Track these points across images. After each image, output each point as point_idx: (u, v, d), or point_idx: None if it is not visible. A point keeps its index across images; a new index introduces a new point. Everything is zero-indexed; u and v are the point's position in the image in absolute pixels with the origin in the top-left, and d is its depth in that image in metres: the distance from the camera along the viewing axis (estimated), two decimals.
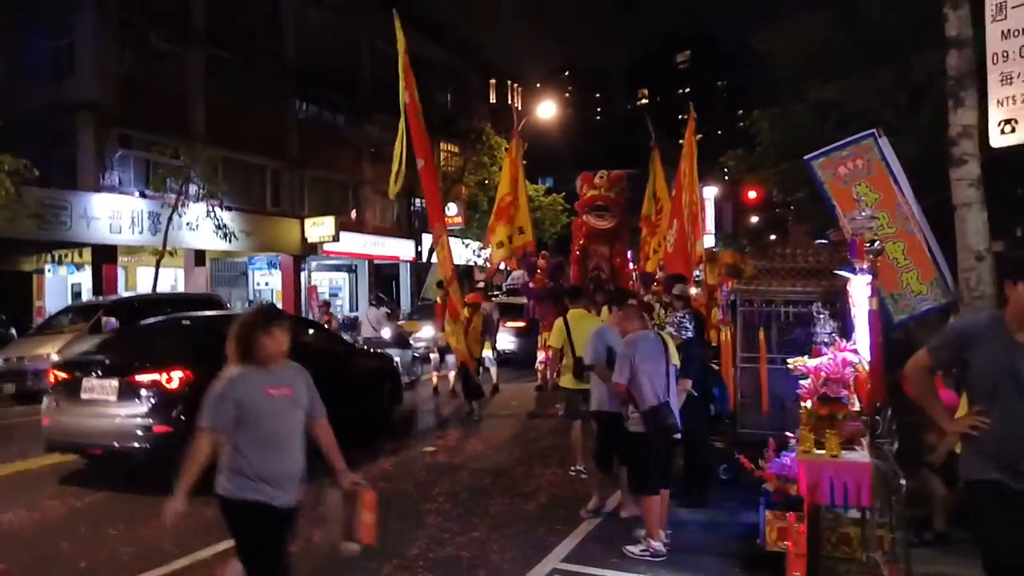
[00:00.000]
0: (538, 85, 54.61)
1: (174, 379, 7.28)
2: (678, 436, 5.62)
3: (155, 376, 7.33)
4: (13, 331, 16.98)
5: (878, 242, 4.10)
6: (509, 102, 48.29)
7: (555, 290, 11.96)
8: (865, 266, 4.16)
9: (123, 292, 20.42)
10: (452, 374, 12.52)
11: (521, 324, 16.64)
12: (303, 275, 27.59)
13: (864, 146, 5.66)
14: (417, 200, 34.02)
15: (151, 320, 10.41)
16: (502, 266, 33.36)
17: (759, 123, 18.44)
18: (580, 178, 12.48)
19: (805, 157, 5.86)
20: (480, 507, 6.67)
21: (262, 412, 3.57)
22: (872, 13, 14.61)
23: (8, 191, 14.64)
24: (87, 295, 20.35)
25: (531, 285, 13.15)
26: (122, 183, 20.92)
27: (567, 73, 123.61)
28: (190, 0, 23.03)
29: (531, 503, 6.77)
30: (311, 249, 27.01)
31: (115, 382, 7.44)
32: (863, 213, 4.29)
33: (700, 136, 13.45)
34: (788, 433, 4.85)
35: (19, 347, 14.41)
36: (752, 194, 32.42)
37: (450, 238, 33.80)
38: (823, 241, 7.97)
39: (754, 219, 48.10)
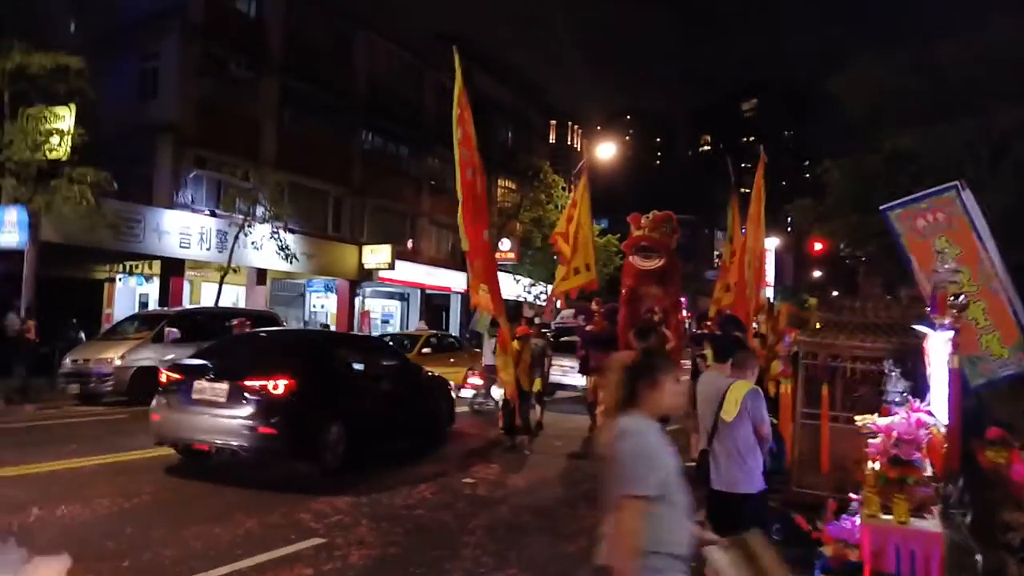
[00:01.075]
0: (599, 128, 54.86)
1: (279, 386, 8.09)
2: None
3: (263, 382, 8.11)
4: (82, 335, 17.58)
5: (963, 296, 3.89)
6: (569, 143, 48.61)
7: (612, 334, 11.86)
8: (947, 322, 3.95)
9: (187, 304, 20.95)
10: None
11: (570, 363, 16.40)
12: (357, 300, 27.95)
13: (945, 199, 5.42)
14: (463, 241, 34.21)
15: (258, 331, 12.14)
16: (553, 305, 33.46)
17: (830, 172, 18.03)
18: (630, 219, 12.41)
19: (881, 207, 5.62)
20: (518, 545, 6.52)
21: (675, 474, 2.86)
22: (950, 60, 14.17)
23: (88, 202, 15.28)
24: (153, 305, 20.97)
25: (588, 328, 13.03)
26: (194, 201, 21.66)
27: (628, 117, 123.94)
28: (268, 31, 23.94)
29: (572, 545, 6.57)
30: (367, 275, 27.38)
31: (225, 385, 8.21)
32: (946, 266, 4.10)
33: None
34: (852, 495, 4.61)
35: (85, 350, 14.89)
36: (818, 246, 31.82)
37: (501, 272, 34.03)
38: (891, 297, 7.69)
39: (817, 273, 47.16)
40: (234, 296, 23.60)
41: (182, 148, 21.29)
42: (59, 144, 15.43)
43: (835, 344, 6.48)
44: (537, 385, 11.81)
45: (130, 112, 20.76)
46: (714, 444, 5.07)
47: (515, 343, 10.94)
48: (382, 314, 31.99)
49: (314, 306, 28.67)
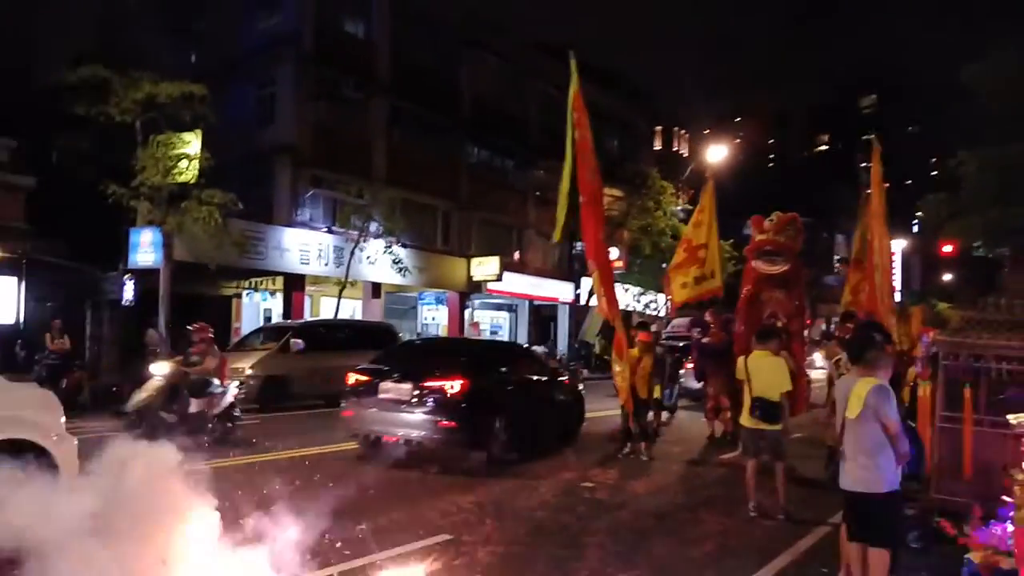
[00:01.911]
0: (707, 132, 53.76)
1: (456, 387, 9.39)
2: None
3: (442, 383, 9.41)
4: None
5: None
6: (675, 148, 47.85)
7: (728, 346, 11.69)
8: None
9: (309, 317, 21.92)
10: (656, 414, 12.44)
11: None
12: (467, 312, 28.44)
13: None
14: (578, 244, 34.29)
15: (431, 339, 14.54)
16: (662, 313, 32.99)
17: (966, 164, 16.83)
18: (751, 221, 11.99)
19: None
20: (642, 548, 6.50)
21: None
22: None
23: (216, 221, 16.21)
24: (277, 319, 22.02)
25: (704, 341, 12.84)
26: (312, 219, 22.67)
27: (739, 119, 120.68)
28: (376, 53, 24.78)
29: (696, 550, 6.50)
30: (476, 287, 27.85)
31: (409, 386, 9.53)
32: None
33: (887, 184, 12.69)
34: (1005, 498, 4.37)
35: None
36: (947, 248, 29.97)
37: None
38: None
39: (947, 276, 44.46)
40: (351, 309, 24.50)
41: (299, 168, 22.30)
42: (187, 168, 16.41)
43: (978, 343, 6.12)
44: (656, 392, 11.72)
45: (250, 136, 21.86)
46: (843, 444, 5.00)
47: (634, 350, 10.88)
48: (491, 325, 32.41)
49: (426, 318, 29.39)
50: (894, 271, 13.70)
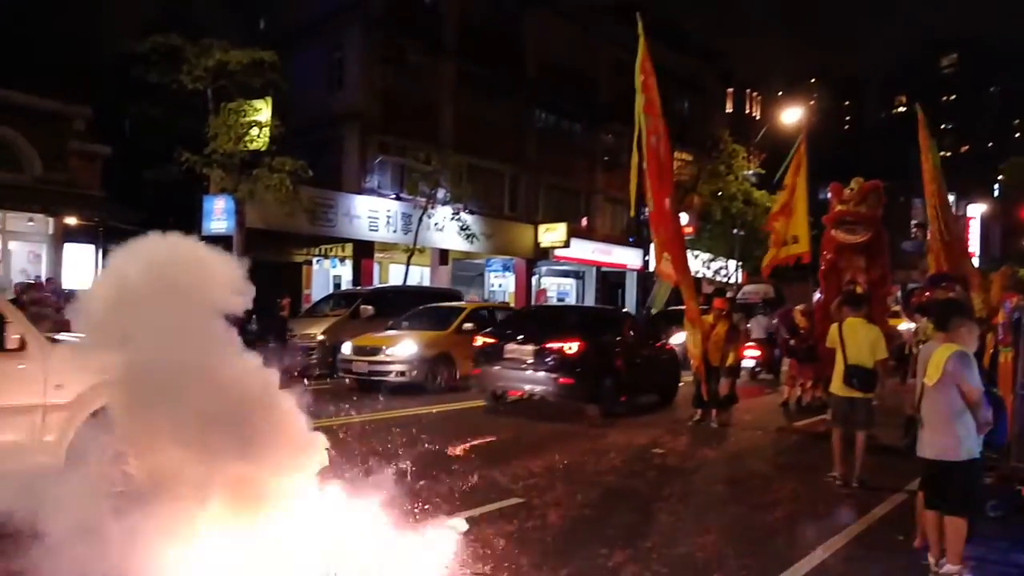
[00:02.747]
0: (780, 93, 52.03)
1: (574, 348, 10.63)
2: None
3: (561, 344, 10.68)
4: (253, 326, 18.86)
5: None
6: (747, 111, 46.52)
7: (813, 346, 11.55)
8: None
9: (377, 284, 22.27)
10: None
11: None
12: (534, 278, 28.46)
13: None
14: (646, 209, 33.80)
15: (546, 306, 16.96)
16: (731, 279, 32.39)
17: None
18: (830, 189, 11.58)
19: None
20: (714, 512, 6.46)
21: None
22: None
23: (287, 189, 16.53)
24: (346, 285, 22.47)
25: (792, 342, 12.63)
26: (380, 186, 22.89)
27: (813, 80, 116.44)
28: (443, 17, 24.66)
29: (769, 515, 6.42)
30: (543, 254, 27.80)
31: (531, 347, 10.88)
32: None
33: (966, 148, 12.12)
34: None
35: (292, 328, 16.16)
36: None
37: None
38: None
39: None
40: (419, 276, 24.80)
41: (367, 135, 22.48)
42: (259, 135, 16.72)
43: None
44: (730, 359, 11.58)
45: (318, 102, 22.11)
46: (921, 410, 4.97)
47: (708, 317, 10.80)
48: (557, 292, 32.39)
49: (492, 285, 29.53)
50: (968, 237, 13.35)
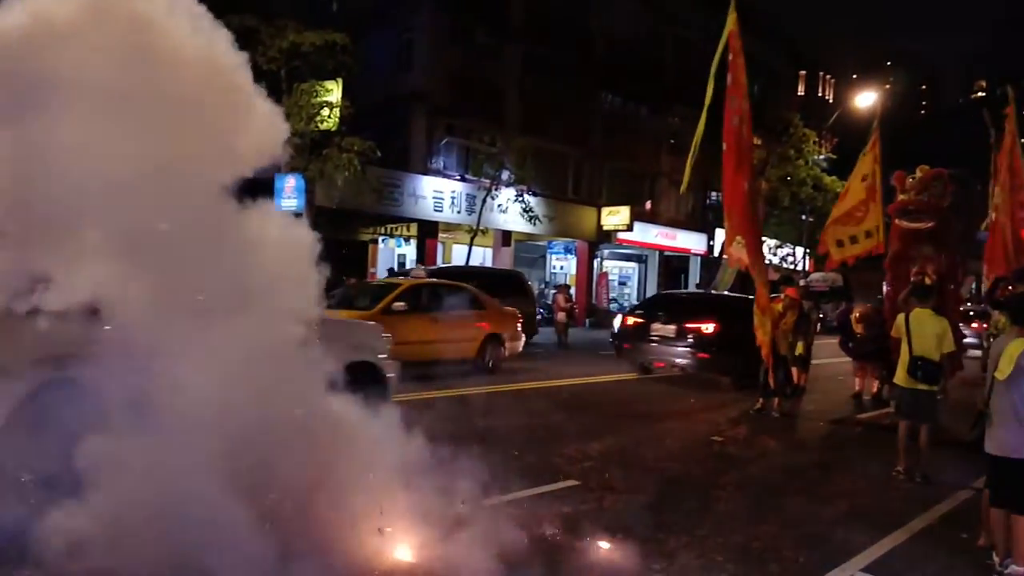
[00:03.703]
0: (854, 76, 50.40)
1: (710, 328, 12.60)
2: None
3: (700, 325, 12.67)
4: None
5: None
6: (820, 94, 45.22)
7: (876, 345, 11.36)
8: None
9: (440, 264, 22.56)
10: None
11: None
12: (596, 262, 28.40)
13: None
14: (713, 193, 33.34)
15: (681, 292, 20.15)
16: (798, 266, 31.71)
17: None
18: (894, 178, 11.29)
19: None
20: (771, 502, 6.44)
21: None
22: None
23: (356, 169, 16.85)
24: (410, 265, 22.80)
25: (850, 346, 12.60)
26: (445, 167, 23.13)
27: (888, 63, 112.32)
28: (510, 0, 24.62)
29: (828, 508, 6.38)
30: (605, 237, 27.71)
31: (674, 326, 12.94)
32: None
33: None
34: None
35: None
36: None
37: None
38: None
39: None
40: (481, 256, 25.01)
41: (434, 116, 22.70)
42: (329, 116, 17.07)
43: None
44: (799, 349, 11.45)
45: (387, 83, 22.31)
46: (991, 406, 4.88)
47: (778, 305, 10.70)
48: (619, 275, 32.24)
49: (554, 267, 29.57)
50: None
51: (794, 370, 11.76)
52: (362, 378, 6.50)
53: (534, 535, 5.16)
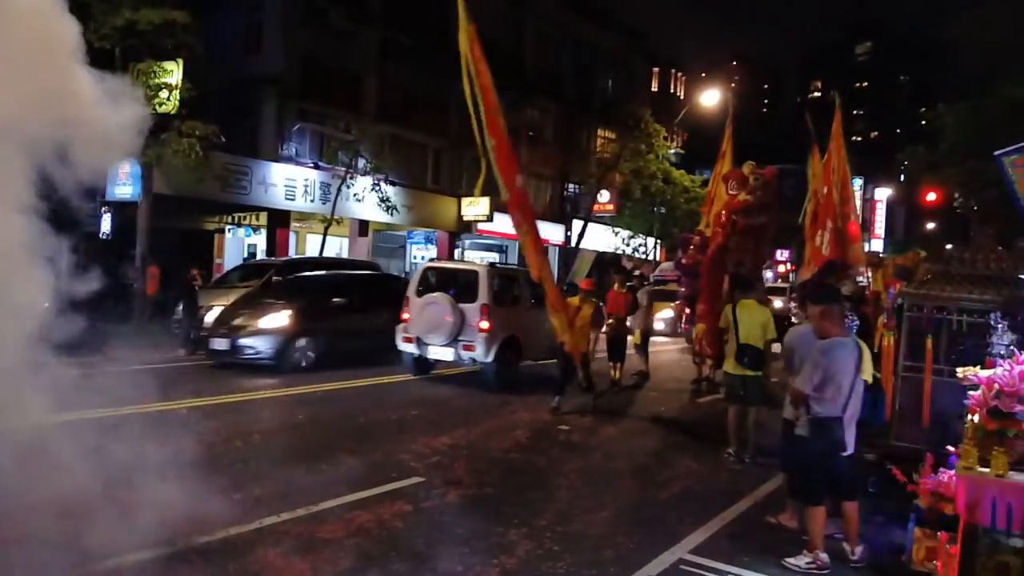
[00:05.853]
0: (703, 74, 52.99)
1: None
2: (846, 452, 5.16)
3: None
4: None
5: None
6: (672, 91, 47.26)
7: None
8: None
9: (293, 255, 21.82)
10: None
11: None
12: (457, 252, 28.43)
13: None
14: (570, 185, 34.14)
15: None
16: (649, 256, 33.09)
17: (943, 118, 17.15)
18: (732, 175, 11.61)
19: (996, 153, 5.34)
20: (611, 489, 6.67)
21: None
22: None
23: (197, 154, 15.96)
24: (261, 255, 21.95)
25: (683, 261, 12.31)
26: (298, 154, 22.33)
27: (735, 62, 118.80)
28: None
29: (663, 492, 6.68)
30: (466, 227, 27.78)
31: None
32: None
33: (876, 134, 12.58)
34: (950, 447, 4.50)
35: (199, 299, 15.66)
36: (931, 196, 30.10)
37: (599, 224, 33.46)
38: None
39: (930, 225, 44.77)
40: (338, 247, 24.42)
41: (285, 101, 21.83)
42: (168, 98, 16.01)
43: (941, 296, 6.22)
44: (636, 337, 11.80)
45: (235, 66, 21.16)
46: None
47: (575, 299, 10.13)
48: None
49: (415, 257, 29.33)
50: (857, 219, 13.76)
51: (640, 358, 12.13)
52: None
53: (372, 537, 5.10)
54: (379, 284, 15.08)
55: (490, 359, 11.21)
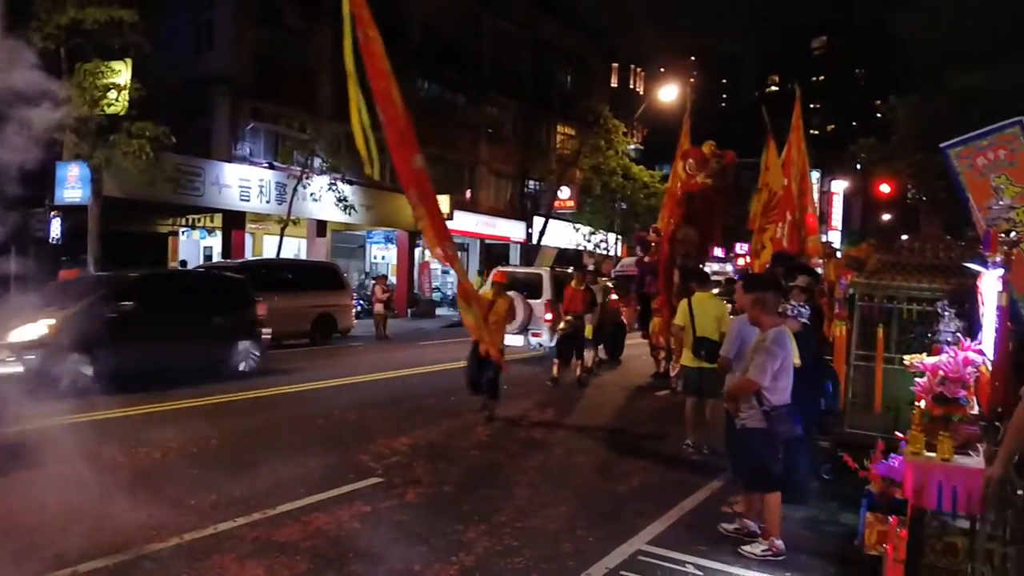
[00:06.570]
0: (662, 70, 53.40)
1: None
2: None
3: None
4: None
5: (1014, 233, 3.77)
6: (631, 86, 47.53)
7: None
8: (998, 259, 3.84)
9: (250, 256, 21.50)
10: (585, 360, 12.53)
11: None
12: (417, 251, 28.26)
13: (1008, 135, 5.16)
14: (531, 182, 34.17)
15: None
16: (610, 252, 33.27)
17: (895, 111, 17.52)
18: (689, 152, 11.52)
19: (941, 145, 5.42)
20: (571, 484, 6.67)
21: None
22: None
23: (147, 156, 15.59)
24: (216, 258, 21.59)
25: (646, 259, 12.61)
26: (252, 154, 21.99)
27: (693, 58, 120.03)
28: None
29: (622, 485, 6.70)
30: None
31: None
32: (1001, 202, 3.95)
33: (832, 127, 12.80)
34: (899, 434, 4.58)
35: None
36: (885, 188, 30.73)
37: (560, 221, 33.46)
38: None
39: (886, 216, 45.72)
40: (296, 248, 24.13)
41: (238, 100, 21.47)
42: (117, 99, 15.61)
43: (891, 285, 6.33)
44: (588, 332, 11.86)
45: (186, 65, 20.84)
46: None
47: (488, 292, 9.76)
48: (441, 265, 32.26)
49: (375, 257, 29.12)
50: (815, 211, 14.00)
51: (587, 352, 12.13)
52: None
53: (329, 539, 5.04)
54: (209, 285, 13.05)
55: (553, 343, 12.79)
